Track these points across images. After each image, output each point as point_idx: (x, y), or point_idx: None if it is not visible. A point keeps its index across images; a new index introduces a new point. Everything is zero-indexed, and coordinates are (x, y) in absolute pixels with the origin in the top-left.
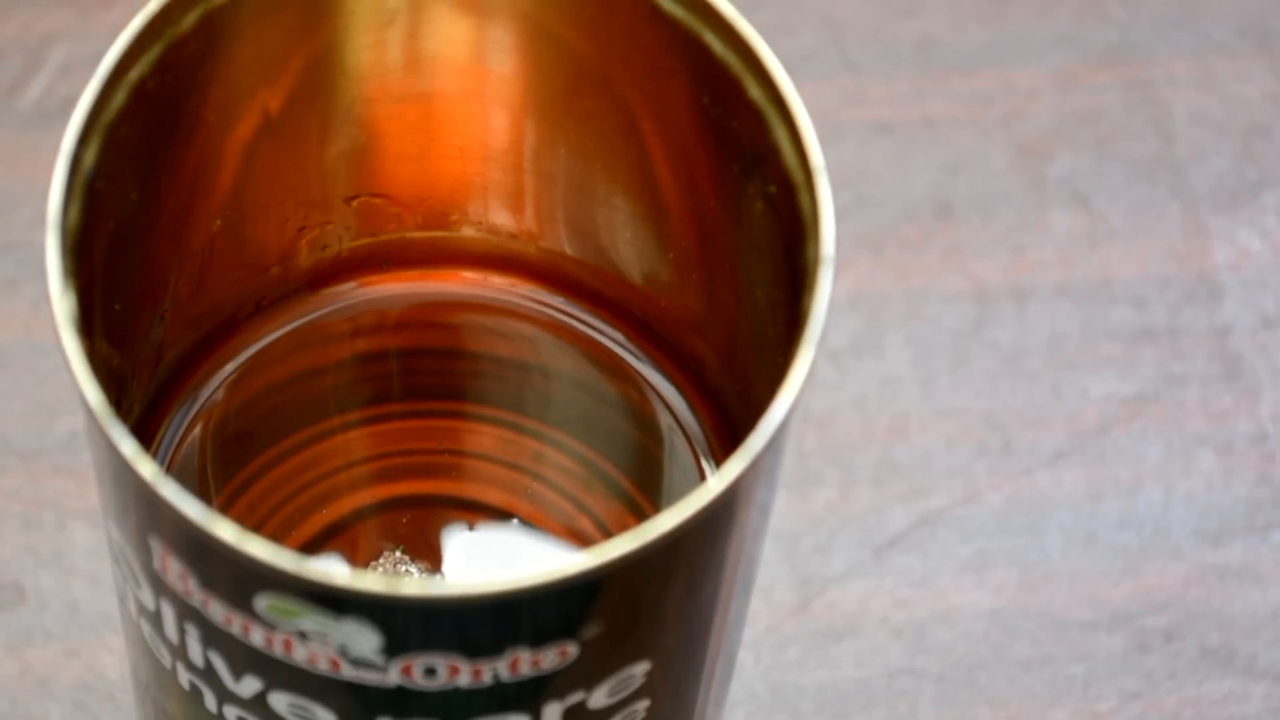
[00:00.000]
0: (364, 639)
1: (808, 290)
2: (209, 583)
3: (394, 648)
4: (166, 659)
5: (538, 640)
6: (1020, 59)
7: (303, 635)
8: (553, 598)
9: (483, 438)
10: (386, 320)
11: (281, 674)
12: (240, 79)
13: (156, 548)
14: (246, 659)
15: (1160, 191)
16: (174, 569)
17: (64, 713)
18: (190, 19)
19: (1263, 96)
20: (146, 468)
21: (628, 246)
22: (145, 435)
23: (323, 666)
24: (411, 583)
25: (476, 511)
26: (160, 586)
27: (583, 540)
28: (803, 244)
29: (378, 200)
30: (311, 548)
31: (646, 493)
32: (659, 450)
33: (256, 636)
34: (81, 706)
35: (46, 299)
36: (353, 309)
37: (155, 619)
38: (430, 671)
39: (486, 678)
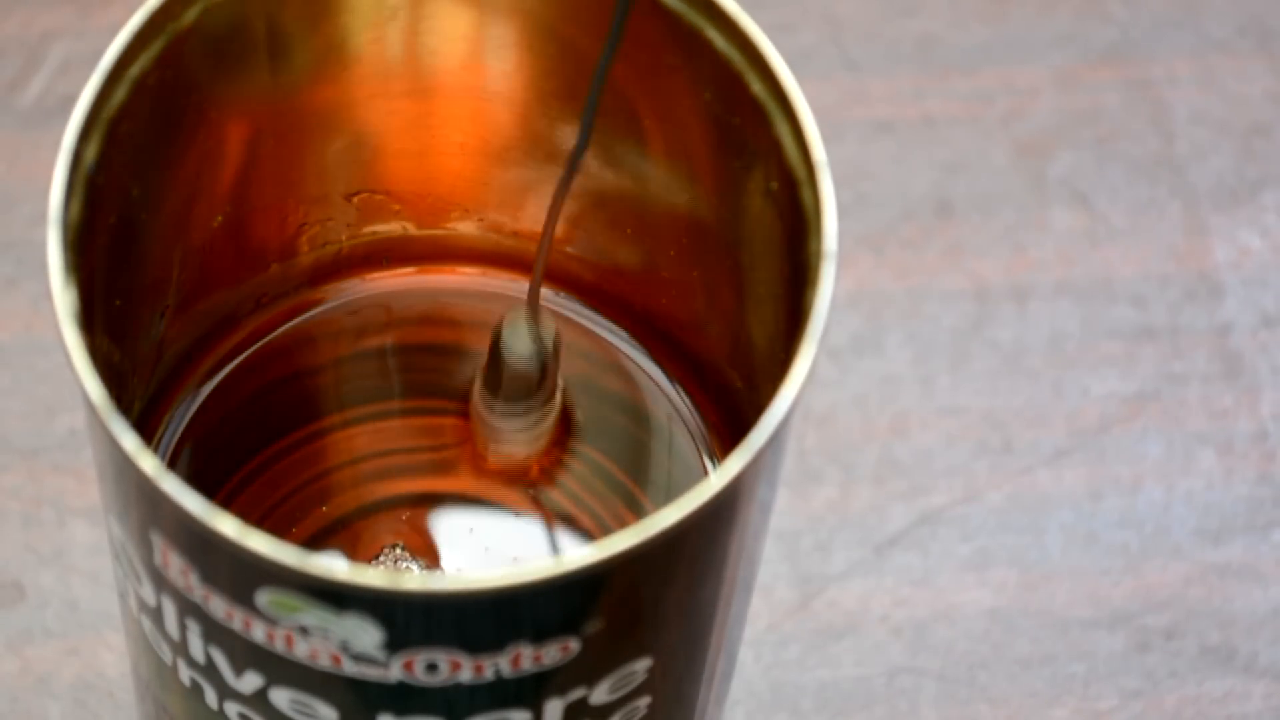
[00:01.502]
0: (365, 634)
1: (810, 286)
2: (210, 578)
3: (395, 643)
4: (167, 655)
5: (539, 636)
6: (1021, 58)
7: (304, 631)
8: (555, 593)
9: None
10: (387, 317)
11: (283, 670)
12: (241, 74)
13: (158, 543)
14: (248, 655)
15: (1161, 190)
16: (175, 564)
17: (64, 711)
18: (191, 14)
19: (1263, 95)
20: (148, 462)
21: (629, 243)
22: (146, 431)
23: (324, 662)
24: (413, 578)
25: (478, 508)
26: (161, 582)
27: (584, 537)
28: (805, 239)
29: (378, 197)
30: (312, 544)
31: (647, 489)
32: (660, 447)
33: (258, 632)
34: (81, 704)
35: (47, 295)
36: (353, 305)
37: (156, 615)
38: (432, 667)
39: (488, 673)
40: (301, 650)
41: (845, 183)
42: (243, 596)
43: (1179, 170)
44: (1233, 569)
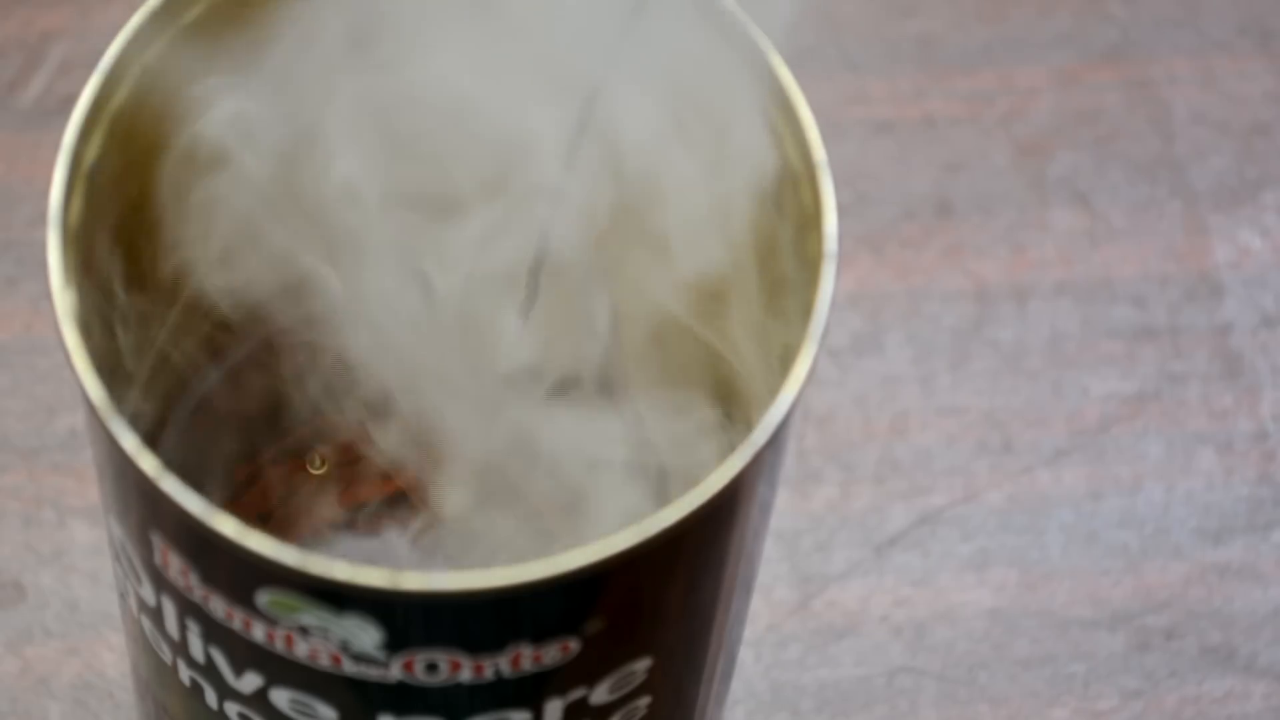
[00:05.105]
0: (365, 634)
1: (810, 286)
2: (210, 578)
3: (395, 643)
4: (167, 655)
5: (539, 636)
6: (1021, 58)
7: (304, 631)
8: (554, 593)
9: None
10: None
11: (283, 670)
12: None
13: (157, 543)
14: (247, 655)
15: (1161, 190)
16: (175, 564)
17: (64, 711)
18: (192, 13)
19: (1263, 95)
20: (148, 463)
21: None
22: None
23: (324, 662)
24: (413, 577)
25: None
26: (161, 582)
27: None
28: (805, 239)
29: None
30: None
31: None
32: None
33: (257, 632)
34: (81, 704)
35: (47, 295)
36: None
37: (156, 615)
38: (432, 667)
39: (488, 673)
40: (301, 650)
41: (846, 182)
42: (243, 596)
43: (1179, 170)
44: (1233, 569)
